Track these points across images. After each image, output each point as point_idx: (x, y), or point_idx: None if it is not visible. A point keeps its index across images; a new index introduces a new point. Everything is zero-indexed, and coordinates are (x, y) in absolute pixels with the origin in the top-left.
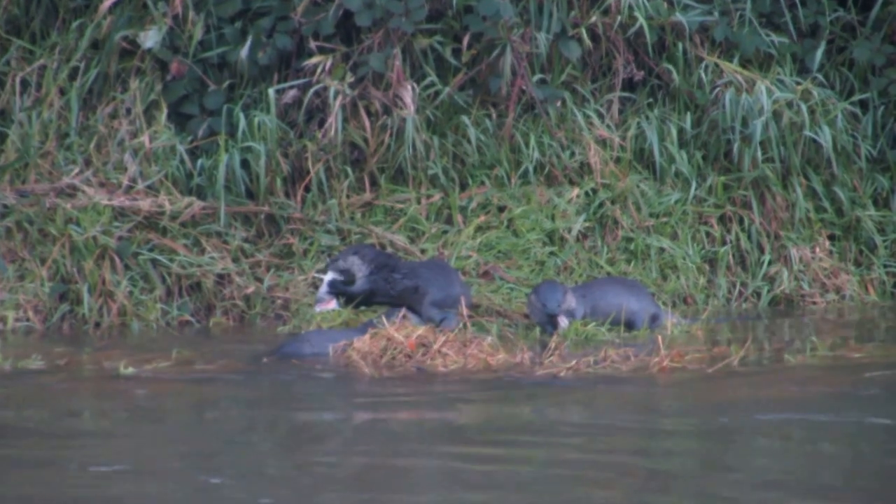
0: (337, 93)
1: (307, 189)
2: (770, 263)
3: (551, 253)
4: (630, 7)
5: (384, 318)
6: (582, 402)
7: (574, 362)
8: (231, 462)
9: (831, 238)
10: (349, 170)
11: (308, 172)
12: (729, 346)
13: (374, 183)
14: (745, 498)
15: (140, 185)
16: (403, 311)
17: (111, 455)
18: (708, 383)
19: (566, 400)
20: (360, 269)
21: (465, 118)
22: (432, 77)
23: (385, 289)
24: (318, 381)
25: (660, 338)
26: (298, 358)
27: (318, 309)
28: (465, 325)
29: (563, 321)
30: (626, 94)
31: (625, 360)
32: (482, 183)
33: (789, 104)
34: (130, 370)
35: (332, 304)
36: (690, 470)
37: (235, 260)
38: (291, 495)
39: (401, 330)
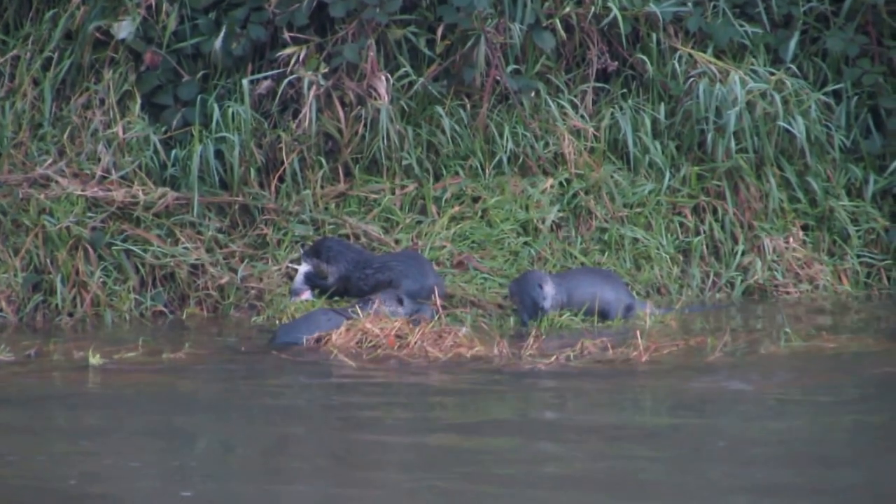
0: (311, 83)
1: (281, 179)
2: (743, 253)
3: (525, 243)
4: None
5: (358, 308)
6: (563, 397)
7: (554, 357)
8: (196, 451)
9: (805, 228)
10: (323, 160)
11: (282, 163)
12: (705, 337)
13: (348, 173)
14: (724, 495)
15: (114, 176)
16: (377, 302)
17: (78, 446)
18: (686, 376)
19: (547, 394)
20: (328, 267)
21: (439, 109)
22: (406, 68)
23: (358, 283)
24: (294, 372)
25: (638, 333)
26: (294, 344)
27: (293, 300)
28: (439, 316)
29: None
30: (599, 85)
31: (603, 353)
32: (456, 173)
33: (763, 94)
34: (98, 360)
35: (307, 295)
36: (669, 465)
37: (209, 250)
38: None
39: (376, 322)
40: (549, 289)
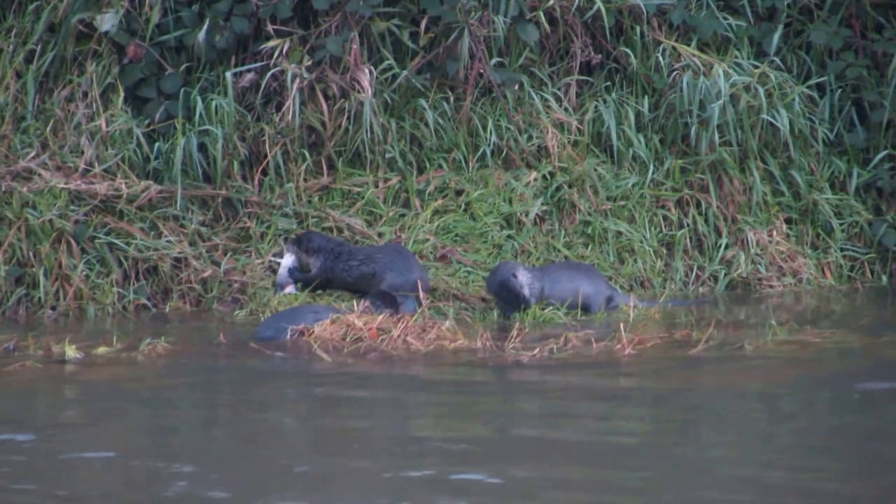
0: (294, 76)
1: (264, 173)
2: (727, 247)
3: (509, 236)
4: None
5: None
6: (545, 388)
7: (537, 350)
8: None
9: (788, 221)
10: (307, 153)
11: (265, 156)
12: (689, 330)
13: (331, 166)
14: (708, 486)
15: (97, 169)
16: (367, 301)
17: (51, 436)
18: (669, 369)
19: (530, 385)
20: (308, 258)
21: (422, 101)
22: (390, 60)
23: (342, 276)
24: (275, 364)
25: (622, 325)
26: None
27: (277, 293)
28: (422, 310)
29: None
30: (583, 78)
31: (586, 346)
32: (440, 166)
33: (746, 88)
34: (74, 352)
35: (291, 288)
36: (653, 455)
37: (192, 244)
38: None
39: (360, 316)
40: (524, 276)
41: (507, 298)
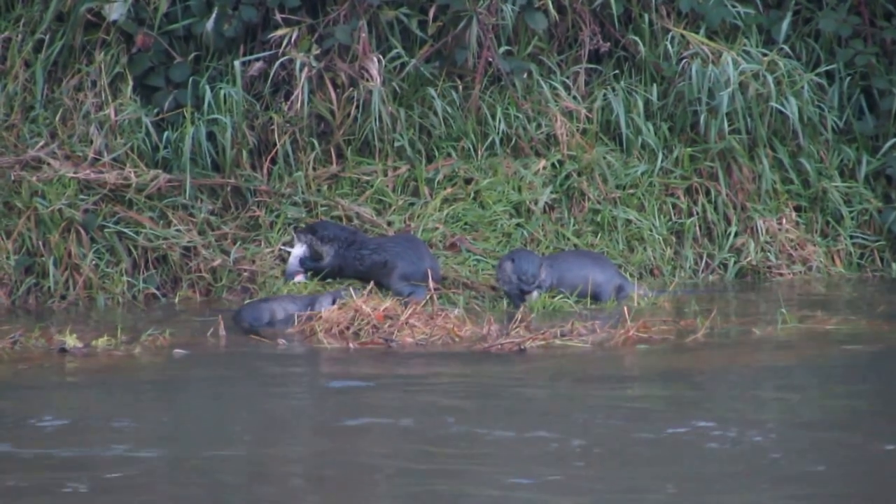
0: (303, 65)
1: (273, 161)
2: (736, 235)
3: (518, 225)
4: None
5: (352, 290)
6: (547, 373)
7: (543, 333)
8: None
9: (798, 209)
10: (315, 142)
11: (274, 145)
12: (696, 317)
13: (340, 155)
14: (714, 470)
15: (106, 158)
16: (370, 285)
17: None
18: (675, 354)
19: (531, 370)
20: (322, 246)
21: (431, 90)
22: (398, 49)
23: (354, 264)
24: (279, 354)
25: (626, 309)
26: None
27: (287, 281)
28: (432, 299)
29: (534, 293)
30: (592, 66)
31: (591, 332)
32: (449, 155)
33: (755, 75)
34: (74, 343)
35: (301, 277)
36: (655, 440)
37: (202, 232)
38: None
39: (368, 302)
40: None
41: (511, 278)
